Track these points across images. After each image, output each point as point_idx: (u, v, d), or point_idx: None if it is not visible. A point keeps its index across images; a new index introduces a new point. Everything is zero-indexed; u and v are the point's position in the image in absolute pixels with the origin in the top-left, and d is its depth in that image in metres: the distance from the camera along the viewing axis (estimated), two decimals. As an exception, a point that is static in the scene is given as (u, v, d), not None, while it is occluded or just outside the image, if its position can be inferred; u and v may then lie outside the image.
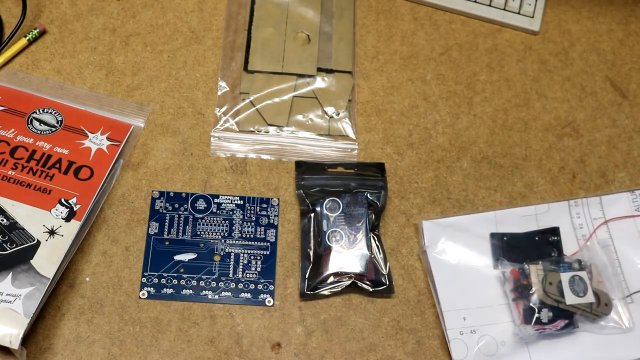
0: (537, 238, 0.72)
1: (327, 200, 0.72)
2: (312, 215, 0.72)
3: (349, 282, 0.70)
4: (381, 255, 0.71)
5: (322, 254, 0.70)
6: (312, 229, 0.72)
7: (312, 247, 0.71)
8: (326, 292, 0.69)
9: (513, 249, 0.72)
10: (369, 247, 0.71)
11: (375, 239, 0.72)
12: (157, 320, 0.68)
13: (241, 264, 0.71)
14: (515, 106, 0.81)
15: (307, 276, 0.70)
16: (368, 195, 0.73)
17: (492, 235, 0.72)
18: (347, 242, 0.71)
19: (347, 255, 0.70)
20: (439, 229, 0.73)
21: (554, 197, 0.76)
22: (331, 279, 0.70)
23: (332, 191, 0.73)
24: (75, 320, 0.68)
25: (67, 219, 0.68)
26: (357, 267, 0.70)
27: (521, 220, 0.74)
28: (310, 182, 0.74)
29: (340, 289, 0.70)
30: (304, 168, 0.75)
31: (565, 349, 0.68)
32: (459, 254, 0.72)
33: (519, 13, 0.84)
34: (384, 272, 0.71)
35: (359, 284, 0.70)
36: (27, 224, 0.68)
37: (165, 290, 0.69)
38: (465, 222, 0.73)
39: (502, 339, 0.69)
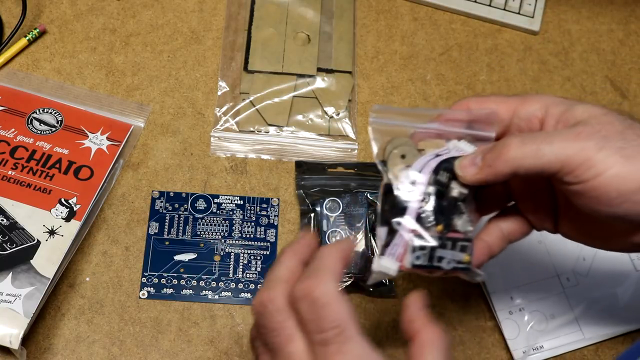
0: None
1: (327, 200, 0.72)
2: (312, 215, 0.72)
3: (349, 282, 0.70)
4: None
5: None
6: (312, 229, 0.72)
7: None
8: None
9: None
10: (369, 247, 0.71)
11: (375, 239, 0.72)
12: (157, 320, 0.68)
13: (241, 264, 0.71)
14: (515, 106, 0.81)
15: None
16: (368, 195, 0.73)
17: None
18: None
19: None
20: None
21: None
22: None
23: (332, 191, 0.73)
24: (75, 320, 0.68)
25: (67, 219, 0.68)
26: (357, 267, 0.70)
27: None
28: (310, 182, 0.74)
29: (340, 289, 0.69)
30: (304, 168, 0.75)
31: (611, 318, 0.70)
32: None
33: (519, 13, 0.84)
34: None
35: (360, 284, 0.70)
36: (27, 224, 0.68)
37: (165, 290, 0.69)
38: None
39: (550, 313, 0.70)
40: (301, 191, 0.73)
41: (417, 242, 0.50)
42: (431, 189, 0.51)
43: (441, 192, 0.51)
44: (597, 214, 0.49)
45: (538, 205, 0.55)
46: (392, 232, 0.50)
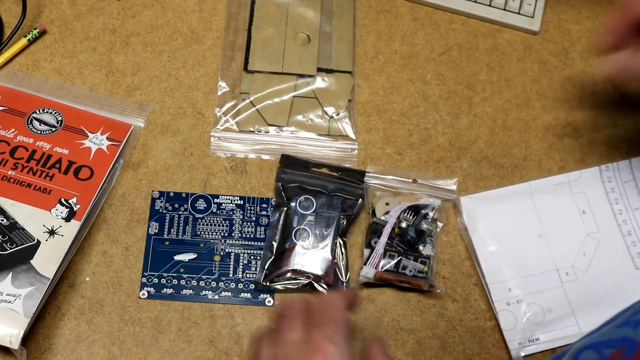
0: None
1: (301, 197, 0.72)
2: (285, 209, 0.72)
3: (306, 281, 0.69)
4: (344, 261, 0.71)
5: (286, 249, 0.70)
6: (280, 222, 0.72)
7: (277, 240, 0.71)
8: (280, 287, 0.69)
9: None
10: (333, 251, 0.71)
11: (342, 245, 0.71)
12: (157, 320, 0.68)
13: (241, 264, 0.71)
14: (515, 106, 0.81)
15: (265, 267, 0.70)
16: (344, 200, 0.73)
17: None
18: (313, 242, 0.71)
19: (310, 255, 0.70)
20: (476, 204, 0.73)
21: (554, 197, 0.76)
22: (289, 275, 0.70)
23: (309, 190, 0.73)
24: (75, 320, 0.68)
25: (67, 219, 0.68)
26: (317, 269, 0.70)
27: (555, 188, 0.75)
28: (290, 176, 0.74)
29: (295, 286, 0.69)
30: (288, 162, 0.75)
31: (609, 314, 0.69)
32: (498, 227, 0.73)
33: (519, 13, 0.84)
34: (344, 279, 0.70)
35: (316, 285, 0.69)
36: (27, 224, 0.68)
37: (165, 290, 0.69)
38: (501, 195, 0.75)
39: (548, 306, 0.70)
40: (279, 184, 0.73)
41: (386, 254, 0.70)
42: (403, 224, 0.71)
43: (410, 226, 0.71)
44: None
45: None
46: (372, 251, 0.70)
